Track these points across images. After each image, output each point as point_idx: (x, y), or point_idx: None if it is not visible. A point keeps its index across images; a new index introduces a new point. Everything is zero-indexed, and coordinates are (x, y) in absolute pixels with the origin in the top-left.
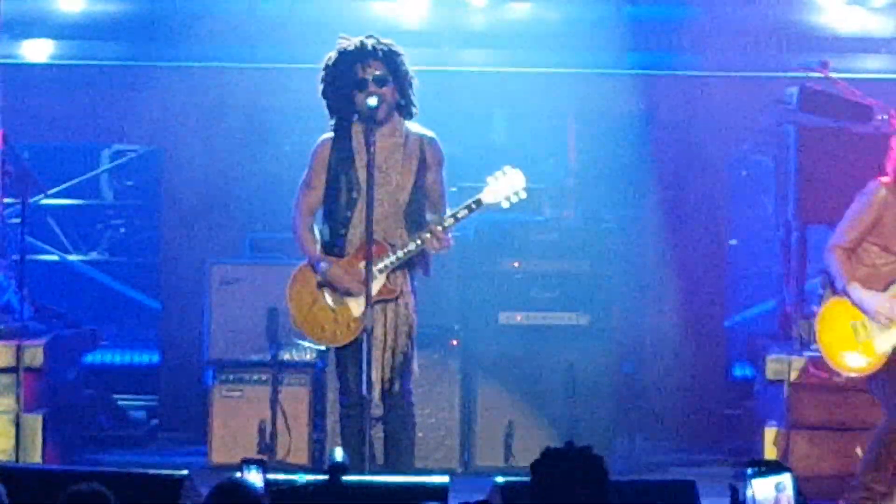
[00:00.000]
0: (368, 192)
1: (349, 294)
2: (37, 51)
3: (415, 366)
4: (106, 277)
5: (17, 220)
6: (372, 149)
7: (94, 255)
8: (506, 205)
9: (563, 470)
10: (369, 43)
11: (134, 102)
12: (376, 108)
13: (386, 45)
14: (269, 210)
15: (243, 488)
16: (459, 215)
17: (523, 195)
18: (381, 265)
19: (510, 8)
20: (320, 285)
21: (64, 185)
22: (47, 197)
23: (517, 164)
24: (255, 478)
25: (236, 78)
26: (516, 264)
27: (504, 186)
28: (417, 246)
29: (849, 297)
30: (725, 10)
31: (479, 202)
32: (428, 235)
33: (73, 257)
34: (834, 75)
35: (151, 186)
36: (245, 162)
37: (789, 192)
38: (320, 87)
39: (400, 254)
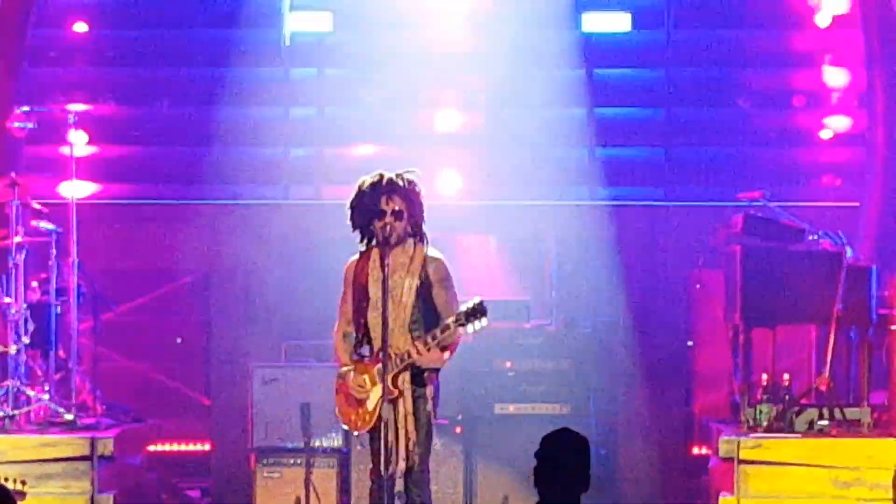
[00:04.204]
0: (383, 309)
1: (359, 395)
2: (105, 191)
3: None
4: (165, 379)
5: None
6: (386, 270)
7: (155, 362)
8: (470, 330)
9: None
10: (392, 177)
11: (188, 234)
12: (388, 237)
13: (406, 180)
14: (301, 322)
15: None
16: (437, 336)
17: (486, 324)
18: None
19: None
20: (338, 388)
21: (130, 304)
22: (116, 314)
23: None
24: None
25: (272, 213)
26: (508, 364)
27: (471, 317)
28: (405, 359)
29: None
30: (681, 150)
31: (447, 328)
32: (413, 351)
33: (137, 363)
34: (772, 204)
35: (203, 305)
36: (281, 282)
37: (736, 301)
38: (348, 212)
39: (398, 363)
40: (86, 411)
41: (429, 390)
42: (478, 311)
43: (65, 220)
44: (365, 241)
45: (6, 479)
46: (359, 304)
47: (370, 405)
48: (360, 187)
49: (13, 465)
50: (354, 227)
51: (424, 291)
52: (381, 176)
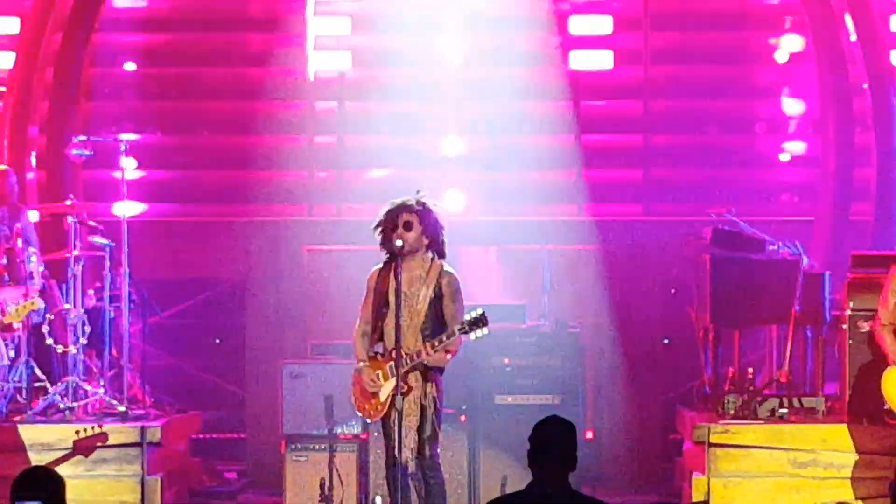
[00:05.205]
0: (397, 312)
1: (372, 386)
2: (152, 210)
3: (439, 437)
4: (207, 375)
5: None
6: (399, 278)
7: (197, 359)
8: (472, 338)
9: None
10: (406, 199)
11: (224, 247)
12: (401, 247)
13: (422, 203)
14: (325, 324)
15: None
16: (444, 340)
17: (486, 332)
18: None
19: (505, 177)
20: (354, 380)
21: (174, 309)
22: (162, 318)
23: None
24: None
25: (299, 228)
26: (506, 360)
27: (474, 326)
28: (415, 359)
29: None
30: (658, 172)
31: (453, 334)
32: (421, 351)
33: (181, 361)
34: (737, 219)
35: (238, 309)
36: (306, 289)
37: (706, 304)
38: (374, 232)
39: (408, 362)
40: (136, 403)
41: (430, 386)
42: (479, 321)
43: (117, 235)
44: (388, 255)
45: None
46: (379, 310)
47: (382, 397)
48: (381, 211)
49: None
50: (381, 244)
51: (436, 301)
52: (398, 200)
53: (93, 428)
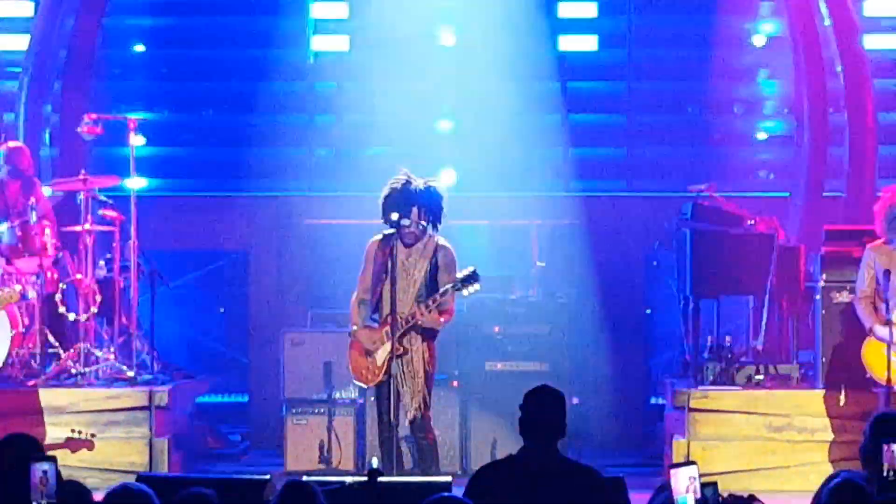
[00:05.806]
0: (392, 284)
1: (369, 349)
2: (160, 186)
3: (431, 401)
4: (212, 342)
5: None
6: (394, 252)
7: (202, 328)
8: (465, 294)
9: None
10: (418, 185)
11: (229, 221)
12: (398, 225)
13: (430, 187)
14: (323, 294)
15: (305, 484)
16: (437, 299)
17: (478, 288)
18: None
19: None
20: (351, 345)
21: (181, 280)
22: (169, 288)
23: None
24: None
25: (300, 204)
26: (497, 328)
27: (466, 282)
28: (409, 321)
29: (874, 335)
30: (641, 150)
31: (446, 292)
32: (415, 312)
33: (187, 329)
34: (716, 194)
35: (242, 280)
36: (307, 261)
37: (686, 276)
38: (381, 203)
39: (403, 325)
40: (144, 369)
41: (425, 350)
42: (471, 278)
43: (126, 209)
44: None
45: (80, 432)
46: (378, 276)
47: (379, 361)
48: (392, 186)
49: (84, 413)
50: (384, 215)
51: (432, 273)
52: (411, 181)
53: (80, 432)
